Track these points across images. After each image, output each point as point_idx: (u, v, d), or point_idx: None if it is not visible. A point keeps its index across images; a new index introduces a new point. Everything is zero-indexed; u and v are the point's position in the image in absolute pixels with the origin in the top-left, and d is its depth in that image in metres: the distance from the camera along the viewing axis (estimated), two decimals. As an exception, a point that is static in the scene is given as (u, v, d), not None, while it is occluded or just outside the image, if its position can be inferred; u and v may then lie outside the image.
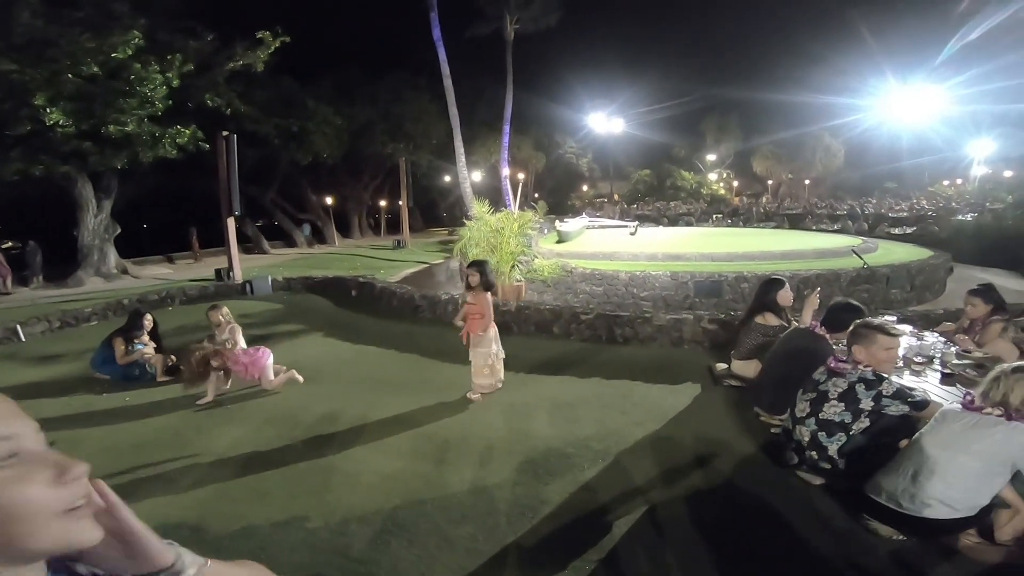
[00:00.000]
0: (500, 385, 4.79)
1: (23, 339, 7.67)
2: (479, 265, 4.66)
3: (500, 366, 4.72)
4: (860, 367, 2.95)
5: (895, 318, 4.77)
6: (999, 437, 2.36)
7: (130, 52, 11.15)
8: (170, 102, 12.41)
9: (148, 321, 5.85)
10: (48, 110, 10.41)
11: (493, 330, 4.63)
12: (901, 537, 2.59)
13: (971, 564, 2.45)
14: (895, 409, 2.85)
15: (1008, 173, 32.52)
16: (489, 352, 4.57)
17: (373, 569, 2.53)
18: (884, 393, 2.85)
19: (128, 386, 5.35)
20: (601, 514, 2.92)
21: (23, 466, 0.62)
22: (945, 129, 31.15)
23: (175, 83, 12.28)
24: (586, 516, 2.92)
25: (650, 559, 2.58)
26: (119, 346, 5.50)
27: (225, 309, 5.85)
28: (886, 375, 2.96)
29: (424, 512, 2.96)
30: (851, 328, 3.13)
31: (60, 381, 5.64)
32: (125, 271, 15.16)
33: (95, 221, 14.13)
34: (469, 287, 4.63)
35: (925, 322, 5.40)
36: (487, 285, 4.58)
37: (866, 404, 2.87)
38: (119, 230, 15.16)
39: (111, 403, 4.93)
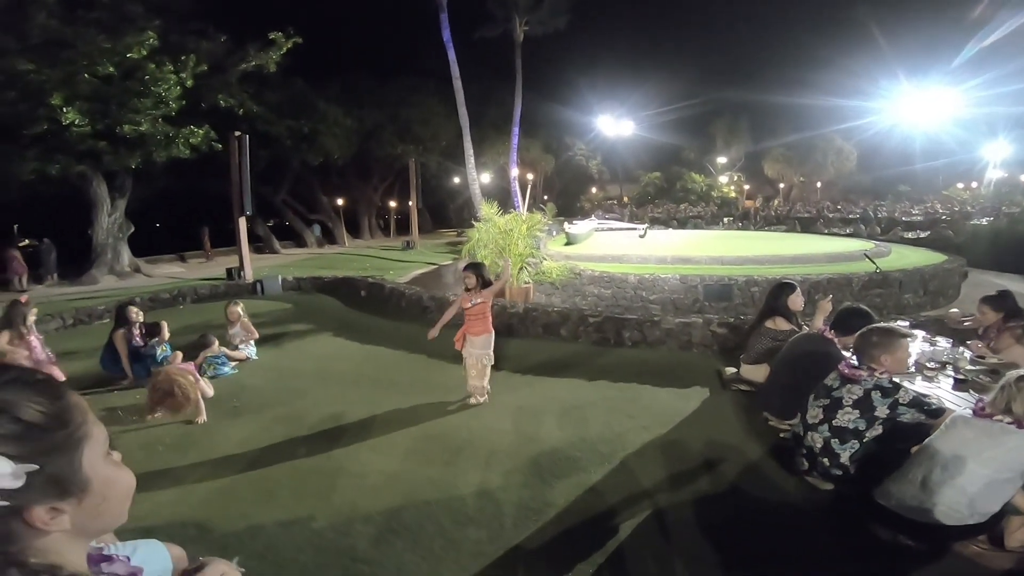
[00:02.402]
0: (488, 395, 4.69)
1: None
2: (476, 267, 4.66)
3: (488, 371, 4.65)
4: (876, 374, 2.90)
5: (908, 323, 4.71)
6: (1011, 445, 2.32)
7: (144, 53, 11.31)
8: (183, 102, 12.57)
9: (134, 313, 5.68)
10: (64, 110, 10.57)
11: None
12: (911, 543, 2.56)
13: (981, 570, 2.42)
14: (910, 417, 2.80)
15: (1024, 177, 32.12)
16: (487, 353, 4.55)
17: (378, 570, 2.53)
18: (901, 401, 2.80)
19: (140, 383, 5.39)
20: (607, 517, 2.91)
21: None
22: (959, 132, 30.74)
23: (188, 83, 12.44)
24: (592, 519, 2.91)
25: (656, 562, 2.57)
26: (120, 343, 5.52)
27: (242, 306, 6.28)
28: (901, 382, 2.92)
29: (430, 514, 2.96)
30: (868, 337, 3.00)
31: (73, 378, 5.69)
32: (138, 269, 15.33)
33: (109, 220, 14.30)
34: (468, 288, 4.61)
35: (938, 327, 5.32)
36: (485, 284, 4.57)
37: (881, 412, 2.82)
38: (132, 229, 15.34)
39: (122, 400, 4.98)
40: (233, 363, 5.87)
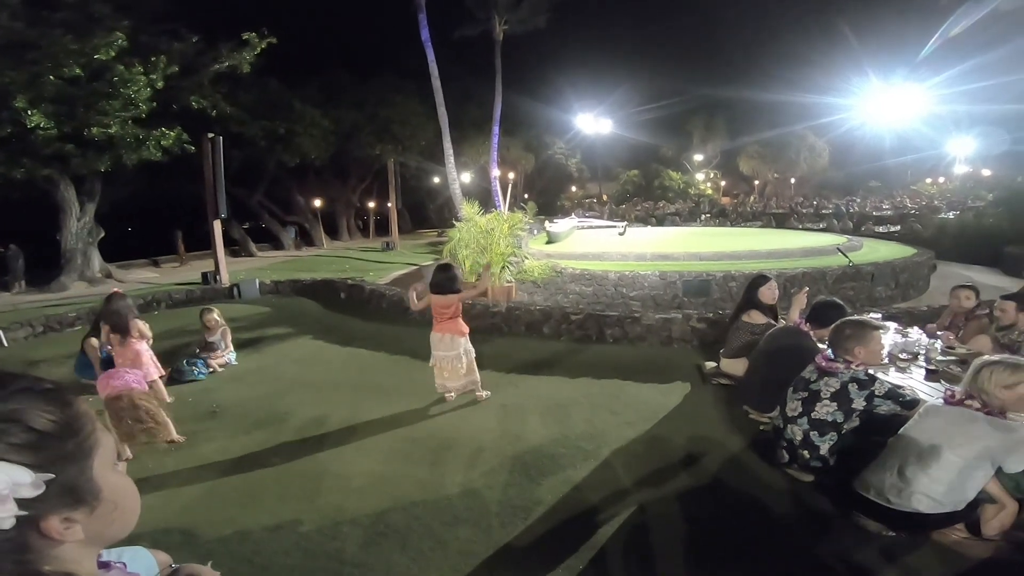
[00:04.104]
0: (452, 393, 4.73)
1: (6, 344, 7.55)
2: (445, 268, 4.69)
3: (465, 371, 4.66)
4: (852, 366, 2.98)
5: (880, 315, 4.85)
6: (979, 433, 2.40)
7: (113, 54, 11.02)
8: (154, 104, 12.27)
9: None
10: (29, 112, 10.25)
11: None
12: (890, 532, 2.63)
13: (958, 559, 2.49)
14: (886, 409, 2.88)
15: (987, 172, 33.14)
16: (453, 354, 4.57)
17: (366, 572, 2.53)
18: (876, 393, 2.88)
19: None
20: (593, 513, 2.94)
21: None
22: (927, 128, 31.61)
23: (159, 85, 12.15)
24: (578, 516, 2.93)
25: (642, 557, 2.60)
26: (91, 352, 5.38)
27: (217, 311, 6.02)
28: (877, 375, 3.00)
29: (416, 514, 2.96)
30: (842, 330, 3.09)
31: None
32: (109, 275, 14.95)
33: (78, 225, 13.92)
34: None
35: (909, 319, 5.48)
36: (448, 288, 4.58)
37: (858, 404, 2.90)
38: (103, 234, 14.95)
39: (96, 407, 4.85)
40: (209, 369, 5.80)
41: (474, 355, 4.63)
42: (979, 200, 21.31)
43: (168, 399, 4.95)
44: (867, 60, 29.87)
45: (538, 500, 3.08)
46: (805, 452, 3.04)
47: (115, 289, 5.46)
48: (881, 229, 19.90)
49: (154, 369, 4.95)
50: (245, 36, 13.74)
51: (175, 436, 4.06)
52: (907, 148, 35.52)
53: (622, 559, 2.58)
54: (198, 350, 5.93)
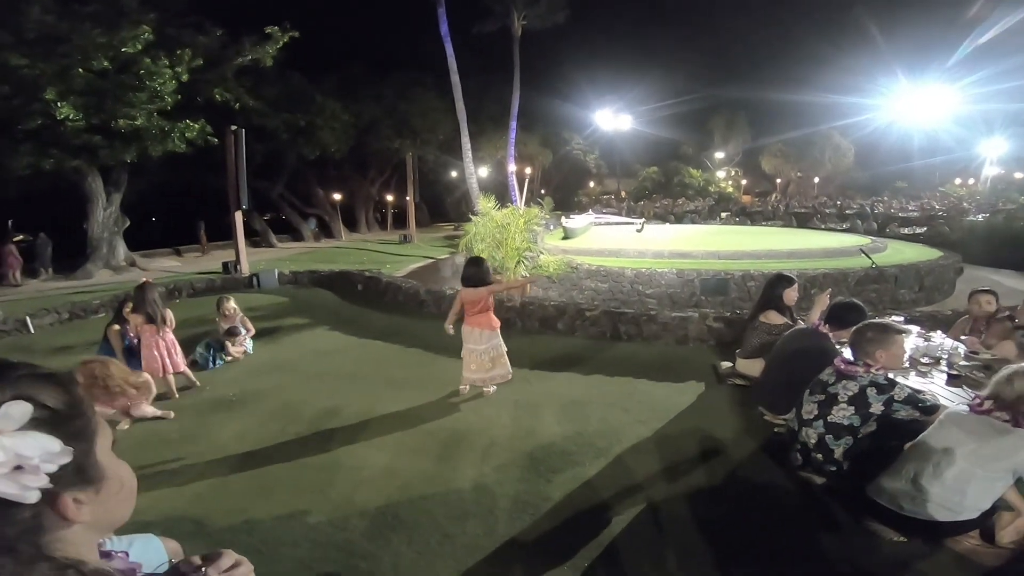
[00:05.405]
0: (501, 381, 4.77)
1: (32, 330, 7.75)
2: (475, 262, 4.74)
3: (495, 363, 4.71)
4: (872, 370, 2.91)
5: (903, 318, 4.73)
6: (1004, 444, 2.33)
7: (140, 47, 11.24)
8: (179, 96, 12.51)
9: (128, 311, 5.41)
10: (58, 104, 10.50)
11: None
12: (902, 539, 2.58)
13: (972, 566, 2.43)
14: (905, 414, 2.81)
15: (1019, 174, 32.17)
16: (481, 348, 4.60)
17: (374, 564, 2.54)
18: (896, 398, 2.80)
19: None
20: (603, 511, 2.93)
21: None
22: (956, 129, 30.83)
23: (184, 78, 12.36)
24: (588, 513, 2.92)
25: (651, 556, 2.58)
26: (114, 339, 5.47)
27: (233, 301, 6.24)
28: (897, 379, 2.93)
29: (426, 508, 2.97)
30: (863, 333, 3.00)
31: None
32: (133, 264, 15.28)
33: (104, 214, 14.25)
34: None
35: (933, 323, 5.35)
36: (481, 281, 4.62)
37: (876, 408, 2.83)
38: (128, 223, 15.28)
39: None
40: (229, 357, 5.90)
41: (504, 350, 4.68)
42: (1010, 203, 20.70)
43: (197, 383, 5.10)
44: (894, 59, 29.24)
45: (548, 496, 3.07)
46: (819, 455, 2.98)
47: (145, 279, 5.55)
48: (907, 231, 19.45)
49: (180, 360, 5.06)
50: (268, 30, 13.91)
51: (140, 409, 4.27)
52: (936, 149, 34.74)
53: (629, 557, 2.57)
54: (223, 337, 6.02)
